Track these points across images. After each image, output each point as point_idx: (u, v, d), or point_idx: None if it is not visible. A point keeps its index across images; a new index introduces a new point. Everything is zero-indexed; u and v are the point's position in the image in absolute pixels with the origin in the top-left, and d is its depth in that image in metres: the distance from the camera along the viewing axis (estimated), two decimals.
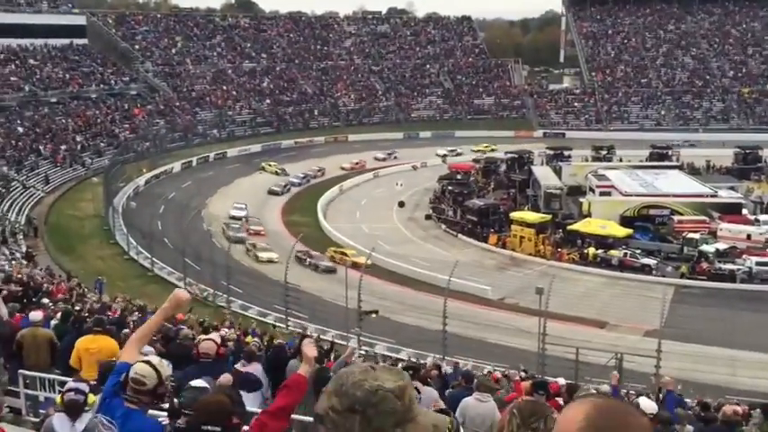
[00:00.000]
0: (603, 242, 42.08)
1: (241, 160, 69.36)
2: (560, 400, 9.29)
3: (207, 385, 5.46)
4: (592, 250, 41.59)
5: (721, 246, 39.87)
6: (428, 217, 52.67)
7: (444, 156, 71.37)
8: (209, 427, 4.21)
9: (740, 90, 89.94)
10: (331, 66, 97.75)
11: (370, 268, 36.72)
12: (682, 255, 40.76)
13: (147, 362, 4.57)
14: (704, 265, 38.78)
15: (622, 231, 42.73)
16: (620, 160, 60.30)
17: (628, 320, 33.38)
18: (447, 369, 16.63)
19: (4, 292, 12.52)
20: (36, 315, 9.76)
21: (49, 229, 44.58)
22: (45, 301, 12.62)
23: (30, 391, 8.58)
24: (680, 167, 57.00)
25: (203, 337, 7.12)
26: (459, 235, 48.01)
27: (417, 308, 34.49)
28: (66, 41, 75.03)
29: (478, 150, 72.45)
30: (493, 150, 70.14)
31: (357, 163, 67.90)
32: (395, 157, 70.55)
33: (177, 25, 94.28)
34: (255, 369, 8.60)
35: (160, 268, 38.20)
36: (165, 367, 4.67)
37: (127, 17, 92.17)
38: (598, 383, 21.93)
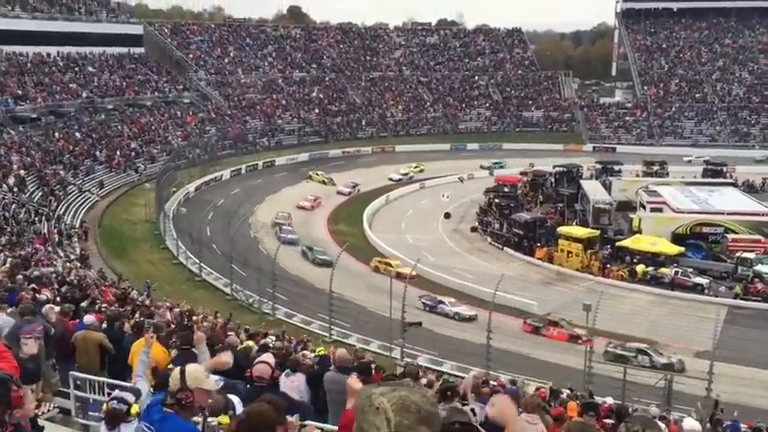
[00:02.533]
0: (654, 259, 41.19)
1: (289, 169, 70.11)
2: (609, 422, 9.09)
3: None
4: (641, 267, 40.72)
5: None
6: (474, 229, 52.34)
7: (490, 168, 70.64)
8: None
9: None
10: (380, 76, 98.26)
11: (415, 279, 36.66)
12: (735, 274, 39.60)
13: (183, 368, 4.77)
14: (759, 285, 37.61)
15: (674, 249, 41.76)
16: (670, 175, 58.89)
17: (678, 340, 32.53)
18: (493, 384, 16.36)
19: (57, 297, 12.85)
20: (89, 318, 10.00)
21: (102, 232, 45.69)
22: (97, 304, 12.92)
23: (80, 393, 8.75)
24: (735, 184, 55.50)
25: (259, 359, 7.12)
26: (505, 248, 47.58)
27: (462, 320, 34.29)
28: (123, 50, 77.13)
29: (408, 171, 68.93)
30: (421, 171, 68.94)
31: (315, 199, 57.68)
32: (359, 191, 61.93)
33: (230, 35, 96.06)
34: (299, 380, 8.62)
35: (207, 273, 38.78)
36: (200, 377, 4.81)
37: (182, 27, 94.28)
38: (646, 404, 21.47)
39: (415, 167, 70.05)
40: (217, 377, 5.45)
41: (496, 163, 72.49)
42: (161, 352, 8.12)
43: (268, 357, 7.21)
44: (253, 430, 4.26)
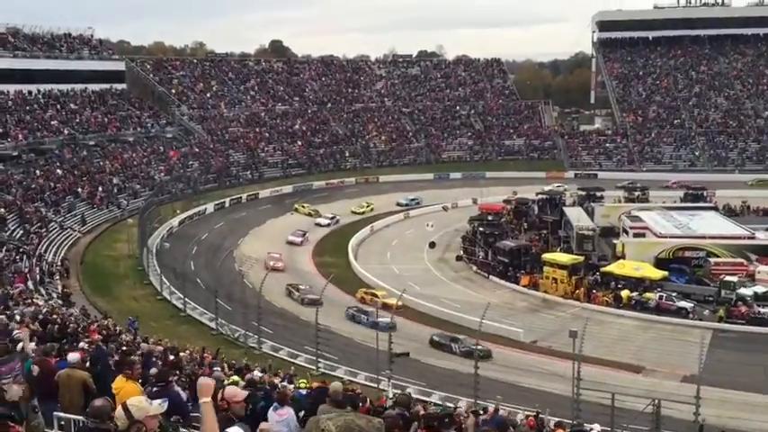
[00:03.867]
0: (638, 284, 41.41)
1: (273, 201, 70.09)
2: None
3: (242, 430, 5.53)
4: (626, 293, 40.91)
5: (760, 289, 38.92)
6: (459, 258, 52.42)
7: (407, 205, 69.16)
8: None
9: None
10: (362, 108, 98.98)
11: (401, 310, 36.60)
12: (719, 298, 39.84)
13: (123, 403, 4.82)
14: (742, 308, 37.83)
15: (657, 274, 42.01)
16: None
17: (665, 365, 32.58)
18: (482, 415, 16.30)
19: (35, 333, 12.69)
20: (73, 356, 9.88)
21: (84, 269, 45.25)
22: (82, 344, 12.78)
23: None
24: (716, 208, 56.15)
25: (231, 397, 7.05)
26: (491, 276, 47.65)
27: (382, 330, 34.20)
28: (105, 86, 77.21)
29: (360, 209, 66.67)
30: (372, 209, 65.42)
31: (304, 234, 56.60)
32: (308, 241, 56.69)
33: (212, 70, 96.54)
34: (288, 413, 8.56)
35: (192, 308, 38.45)
36: (144, 406, 4.90)
37: (164, 63, 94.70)
38: (634, 430, 21.45)
39: (367, 206, 66.34)
40: (160, 400, 5.43)
41: (413, 200, 69.74)
42: (134, 389, 8.04)
43: (239, 393, 7.18)
44: None
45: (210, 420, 4.80)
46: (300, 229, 57.57)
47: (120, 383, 8.38)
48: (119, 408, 4.91)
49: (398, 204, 68.11)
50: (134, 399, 5.07)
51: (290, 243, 54.84)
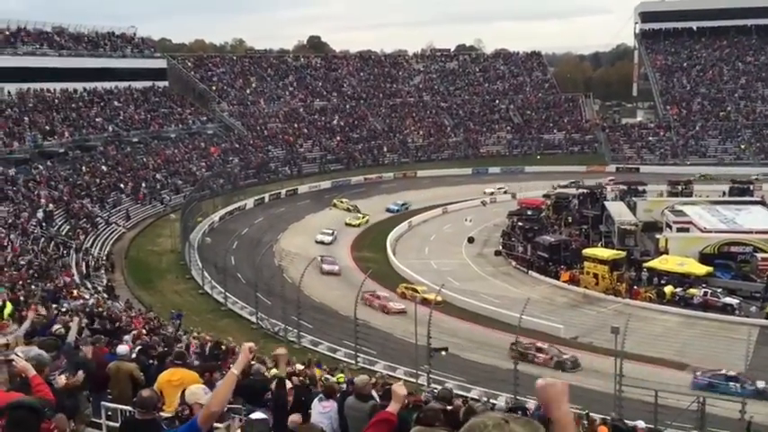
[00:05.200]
0: (682, 280, 40.64)
1: (311, 197, 70.52)
2: None
3: (266, 416, 5.56)
4: (669, 288, 40.19)
5: None
6: (498, 253, 52.09)
7: (492, 193, 70.39)
8: None
9: None
10: (400, 103, 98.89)
11: (441, 305, 36.50)
12: (766, 294, 38.88)
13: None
14: None
15: (702, 269, 41.18)
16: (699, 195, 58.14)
17: (709, 362, 31.91)
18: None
19: (85, 329, 12.98)
20: (122, 349, 10.12)
21: (128, 263, 46.19)
22: (127, 336, 13.05)
23: (111, 423, 8.83)
24: (763, 202, 54.76)
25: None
26: (530, 271, 47.26)
27: (488, 345, 34.00)
28: (148, 84, 78.63)
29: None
30: (367, 221, 60.01)
31: (332, 233, 55.00)
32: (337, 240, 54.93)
33: (252, 66, 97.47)
34: (332, 406, 8.63)
35: (233, 303, 38.94)
36: (198, 392, 5.08)
37: (205, 60, 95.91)
38: (679, 428, 21.09)
39: (362, 217, 60.86)
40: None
41: (403, 205, 65.68)
42: (195, 378, 8.20)
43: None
44: None
45: (224, 390, 4.40)
46: (329, 228, 56.19)
47: (181, 374, 8.54)
48: (178, 393, 5.13)
49: (388, 210, 64.11)
50: (194, 386, 5.24)
51: (320, 242, 53.47)
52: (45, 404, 4.05)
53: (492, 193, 69.72)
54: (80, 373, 4.90)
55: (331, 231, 55.21)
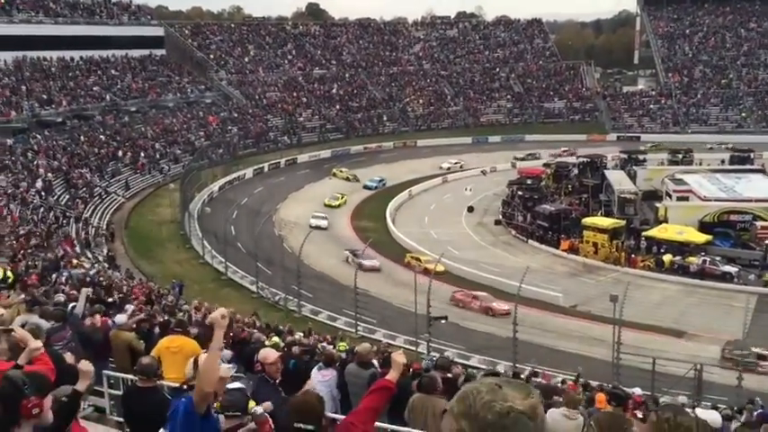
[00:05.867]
0: (681, 249, 40.72)
1: (311, 166, 70.33)
2: (639, 413, 9.02)
3: (244, 386, 5.51)
4: (668, 257, 40.30)
5: None
6: (498, 222, 52.13)
7: (523, 158, 70.07)
8: (302, 426, 4.30)
9: None
10: (400, 71, 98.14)
11: (443, 274, 36.59)
12: (765, 262, 38.99)
13: (197, 358, 4.94)
14: None
15: (701, 238, 41.25)
16: (700, 164, 58.07)
17: (707, 330, 32.15)
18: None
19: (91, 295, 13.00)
20: (120, 318, 10.16)
21: (128, 233, 46.22)
22: (128, 306, 13.08)
23: (113, 391, 8.90)
24: (763, 171, 54.64)
25: (265, 351, 7.15)
26: (530, 241, 47.34)
27: (477, 310, 34.24)
28: (145, 52, 77.86)
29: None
30: (345, 202, 56.28)
31: (342, 197, 55.93)
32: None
33: (250, 34, 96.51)
34: (331, 374, 8.68)
35: (233, 272, 39.05)
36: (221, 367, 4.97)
37: (202, 28, 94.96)
38: (676, 395, 21.26)
39: (341, 197, 57.02)
40: (230, 364, 5.55)
41: (380, 181, 62.67)
42: (196, 346, 8.22)
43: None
44: (302, 418, 4.29)
45: (209, 368, 4.15)
46: (321, 212, 52.52)
47: (180, 341, 8.57)
48: (190, 361, 5.04)
49: (365, 187, 61.56)
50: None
51: (316, 227, 47.69)
52: (30, 380, 3.84)
53: (449, 169, 68.12)
54: (85, 364, 4.84)
55: (324, 215, 51.42)
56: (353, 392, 8.24)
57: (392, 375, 4.48)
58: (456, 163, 69.88)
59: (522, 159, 70.23)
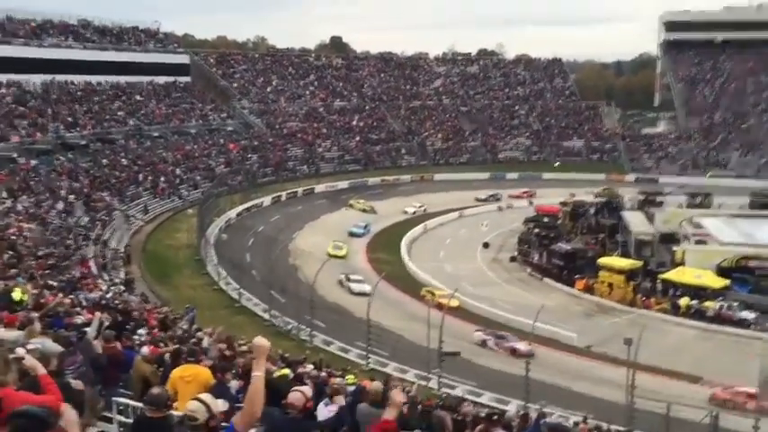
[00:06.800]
0: (698, 293, 40.27)
1: (328, 196, 70.67)
2: None
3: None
4: (685, 300, 39.87)
5: None
6: (513, 259, 51.94)
7: (485, 199, 70.80)
8: None
9: None
10: (420, 105, 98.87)
11: (455, 310, 36.38)
12: None
13: (197, 398, 4.94)
14: None
15: (719, 282, 40.80)
16: (719, 207, 57.47)
17: (724, 376, 31.61)
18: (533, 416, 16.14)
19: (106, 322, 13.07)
20: (145, 350, 10.25)
21: (146, 257, 46.50)
22: (141, 330, 13.13)
23: (122, 418, 8.91)
24: None
25: (296, 388, 7.18)
26: (545, 279, 47.06)
27: (500, 351, 33.92)
28: (170, 79, 79.17)
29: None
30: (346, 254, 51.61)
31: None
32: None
33: (273, 65, 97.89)
34: (335, 410, 8.64)
35: (247, 299, 39.11)
36: (217, 403, 4.99)
37: (227, 57, 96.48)
38: None
39: (343, 248, 52.09)
40: (221, 401, 5.55)
41: (365, 227, 59.10)
42: (208, 374, 8.25)
43: (305, 388, 7.25)
44: None
45: (257, 395, 4.20)
46: (339, 241, 52.46)
47: (193, 370, 8.60)
48: (196, 402, 5.00)
49: (351, 234, 57.19)
50: (204, 395, 5.20)
51: (334, 256, 47.76)
52: (51, 413, 3.97)
53: (414, 213, 65.08)
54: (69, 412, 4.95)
55: (342, 244, 51.81)
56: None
57: (390, 414, 4.51)
58: (420, 206, 66.31)
59: (484, 200, 70.87)
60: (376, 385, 9.29)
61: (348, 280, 42.97)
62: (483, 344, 34.61)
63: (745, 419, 23.68)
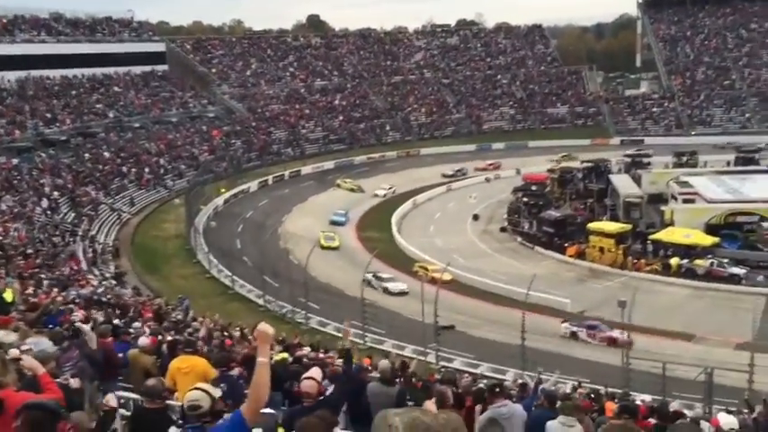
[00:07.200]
0: (688, 252, 40.56)
1: (315, 177, 70.43)
2: (652, 421, 8.96)
3: (274, 411, 5.56)
4: (675, 260, 40.15)
5: None
6: (503, 229, 52.08)
7: (452, 175, 69.39)
8: None
9: None
10: (401, 80, 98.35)
11: (449, 283, 36.46)
12: None
13: (197, 387, 5.07)
14: None
15: (708, 240, 41.09)
16: (705, 165, 57.87)
17: (717, 333, 31.96)
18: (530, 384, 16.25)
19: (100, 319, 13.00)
20: (143, 341, 10.18)
21: (134, 249, 46.28)
22: (136, 323, 13.07)
23: (124, 411, 8.86)
24: None
25: (306, 375, 7.13)
26: (536, 247, 47.25)
27: (495, 322, 34.08)
28: (147, 68, 78.27)
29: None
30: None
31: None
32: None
33: (251, 48, 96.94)
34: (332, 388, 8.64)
35: (240, 286, 39.05)
36: (216, 390, 5.28)
37: (203, 42, 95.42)
38: (687, 399, 21.17)
39: (335, 240, 49.19)
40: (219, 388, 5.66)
41: (344, 214, 55.92)
42: (206, 365, 8.22)
43: (315, 372, 7.21)
44: None
45: (264, 382, 4.11)
46: (330, 232, 50.54)
47: (191, 361, 8.57)
48: (197, 392, 5.15)
49: (331, 223, 54.30)
50: (203, 384, 5.31)
51: (327, 248, 47.38)
52: (61, 405, 4.07)
53: (384, 195, 62.83)
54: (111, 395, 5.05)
55: (333, 235, 49.88)
56: (376, 411, 8.13)
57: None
58: (390, 188, 64.30)
59: (452, 176, 68.91)
60: (384, 364, 9.25)
61: (379, 279, 39.50)
62: (573, 336, 32.22)
63: (740, 374, 23.96)
